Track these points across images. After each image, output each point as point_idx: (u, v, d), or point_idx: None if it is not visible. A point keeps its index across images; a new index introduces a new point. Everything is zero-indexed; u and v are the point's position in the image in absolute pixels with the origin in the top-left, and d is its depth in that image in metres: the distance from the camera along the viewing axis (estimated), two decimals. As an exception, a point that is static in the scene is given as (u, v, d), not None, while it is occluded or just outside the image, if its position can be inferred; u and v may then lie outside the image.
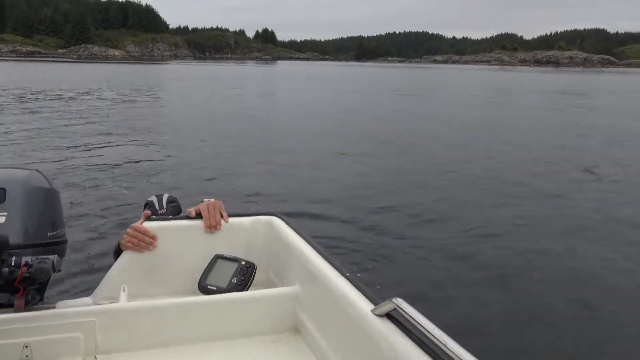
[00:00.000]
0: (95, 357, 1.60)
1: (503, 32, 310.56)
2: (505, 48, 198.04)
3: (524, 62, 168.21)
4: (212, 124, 13.86)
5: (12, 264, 1.66)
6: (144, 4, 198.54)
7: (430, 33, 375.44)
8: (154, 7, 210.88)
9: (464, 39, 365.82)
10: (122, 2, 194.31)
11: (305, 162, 8.92)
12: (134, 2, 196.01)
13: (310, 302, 1.69)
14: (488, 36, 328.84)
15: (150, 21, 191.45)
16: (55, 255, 1.74)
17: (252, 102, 21.57)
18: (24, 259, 1.68)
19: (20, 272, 1.64)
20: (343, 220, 5.67)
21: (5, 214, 1.82)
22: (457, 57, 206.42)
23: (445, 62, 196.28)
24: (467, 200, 6.65)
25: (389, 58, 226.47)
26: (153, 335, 1.64)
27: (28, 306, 1.63)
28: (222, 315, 1.65)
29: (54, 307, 1.65)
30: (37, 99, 19.66)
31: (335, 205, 6.25)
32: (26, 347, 1.54)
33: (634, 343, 3.39)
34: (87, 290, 2.01)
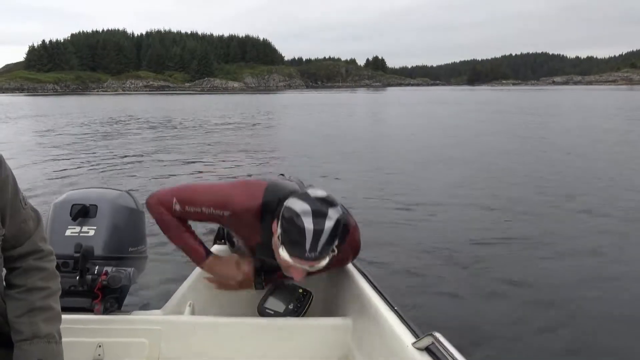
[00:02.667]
0: None
1: (635, 50, 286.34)
2: (635, 66, 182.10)
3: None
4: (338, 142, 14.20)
5: (95, 272, 1.96)
6: (261, 39, 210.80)
7: (550, 54, 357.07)
8: (270, 40, 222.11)
9: (589, 59, 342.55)
10: (242, 37, 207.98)
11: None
12: (252, 37, 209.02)
13: (360, 332, 1.76)
14: (617, 54, 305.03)
15: (268, 54, 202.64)
16: (133, 269, 2.02)
17: (350, 123, 21.95)
18: (105, 269, 1.98)
19: (100, 280, 1.94)
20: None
21: (95, 228, 2.12)
22: (578, 78, 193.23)
23: (565, 83, 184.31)
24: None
25: (504, 81, 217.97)
26: (211, 349, 1.76)
27: (106, 312, 1.89)
28: (277, 338, 1.74)
29: (127, 314, 1.90)
30: (157, 127, 21.67)
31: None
32: (99, 346, 1.73)
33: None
34: (161, 302, 2.17)
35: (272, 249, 1.65)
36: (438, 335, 1.31)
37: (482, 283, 4.65)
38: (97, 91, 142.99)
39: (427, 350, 1.37)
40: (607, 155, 12.38)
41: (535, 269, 5.10)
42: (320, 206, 1.49)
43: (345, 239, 1.60)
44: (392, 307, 1.66)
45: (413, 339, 1.44)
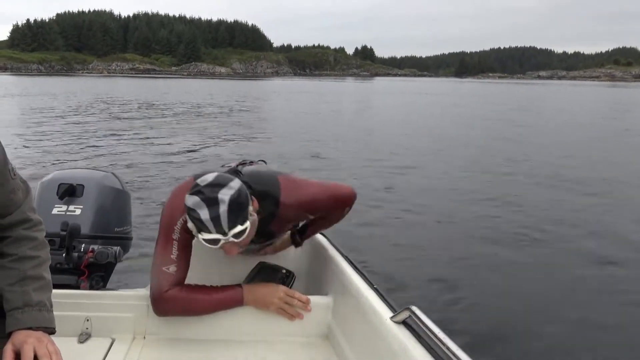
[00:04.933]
0: (145, 337, 1.79)
1: (621, 46, 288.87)
2: (618, 63, 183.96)
3: (638, 77, 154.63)
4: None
5: (82, 250, 2.01)
6: (250, 24, 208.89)
7: (539, 48, 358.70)
8: (259, 26, 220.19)
9: (576, 54, 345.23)
10: (231, 22, 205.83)
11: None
12: (241, 22, 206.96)
13: (341, 310, 1.82)
14: (604, 50, 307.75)
15: (256, 40, 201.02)
16: (119, 247, 2.07)
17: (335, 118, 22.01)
18: (91, 247, 2.03)
19: (86, 257, 1.99)
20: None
21: (81, 207, 2.17)
22: (563, 73, 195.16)
23: (550, 77, 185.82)
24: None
25: (490, 74, 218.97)
26: (196, 327, 1.79)
27: (92, 290, 1.94)
28: (260, 317, 1.78)
29: (114, 291, 1.95)
30: (140, 110, 21.51)
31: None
32: (87, 320, 1.76)
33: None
34: (145, 283, 2.15)
35: None
36: (415, 308, 1.37)
37: (459, 262, 4.88)
38: (82, 72, 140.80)
39: (404, 323, 1.44)
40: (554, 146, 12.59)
41: (509, 244, 5.41)
42: (210, 192, 1.53)
43: (268, 201, 1.71)
44: (371, 285, 1.72)
45: (391, 314, 1.50)
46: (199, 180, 1.59)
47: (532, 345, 3.41)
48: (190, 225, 1.59)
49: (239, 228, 1.55)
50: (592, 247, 5.38)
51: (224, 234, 1.53)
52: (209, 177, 1.58)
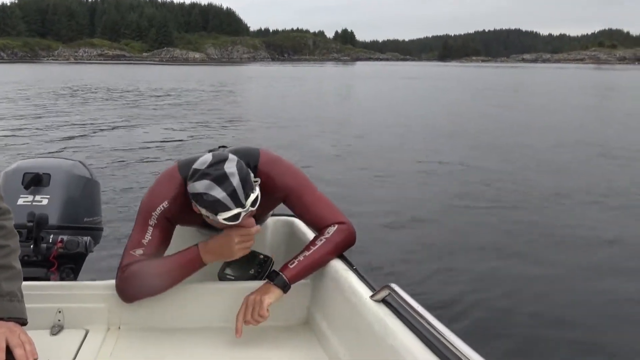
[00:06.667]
0: (119, 327, 1.79)
1: (607, 28, 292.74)
2: (603, 45, 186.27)
3: (622, 60, 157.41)
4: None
5: (50, 241, 2.00)
6: (225, 7, 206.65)
7: (524, 30, 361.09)
8: (234, 10, 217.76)
9: (561, 36, 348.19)
10: (204, 5, 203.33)
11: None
12: (215, 6, 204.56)
13: (320, 294, 1.84)
14: (589, 32, 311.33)
15: (231, 24, 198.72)
16: (89, 238, 2.09)
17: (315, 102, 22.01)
18: (61, 237, 2.02)
19: (55, 248, 1.98)
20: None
21: (48, 197, 2.15)
22: (547, 56, 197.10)
23: (534, 60, 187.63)
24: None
25: (473, 57, 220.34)
26: (173, 316, 1.80)
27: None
28: (238, 303, 1.74)
29: (87, 282, 1.91)
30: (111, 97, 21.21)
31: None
32: (59, 312, 1.75)
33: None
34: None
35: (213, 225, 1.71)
36: (394, 286, 1.41)
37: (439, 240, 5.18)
38: (48, 59, 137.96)
39: (384, 301, 1.48)
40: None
41: (483, 222, 5.75)
42: (216, 171, 1.55)
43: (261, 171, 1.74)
44: (350, 265, 1.75)
45: (371, 293, 1.54)
46: (196, 165, 1.60)
47: (511, 318, 3.66)
48: (204, 212, 1.59)
49: (252, 196, 1.58)
50: (573, 220, 5.82)
51: (243, 205, 1.56)
52: (207, 158, 1.61)
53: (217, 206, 1.54)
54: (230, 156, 1.61)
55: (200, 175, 1.56)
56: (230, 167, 1.56)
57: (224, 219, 1.57)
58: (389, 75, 52.42)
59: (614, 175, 8.20)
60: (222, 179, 1.54)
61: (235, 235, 1.68)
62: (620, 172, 8.48)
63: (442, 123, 14.22)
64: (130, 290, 1.71)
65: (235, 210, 1.55)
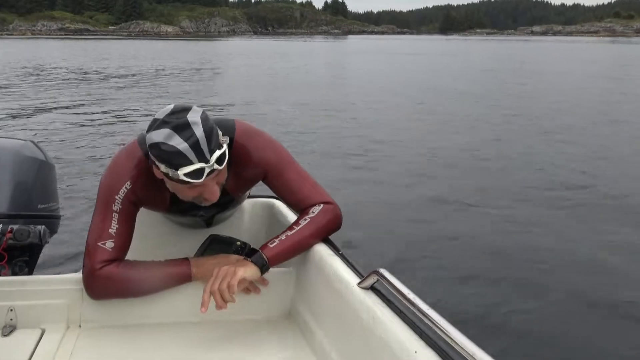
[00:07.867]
0: (80, 325, 1.76)
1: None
2: (619, 15, 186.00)
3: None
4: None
5: None
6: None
7: (534, 0, 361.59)
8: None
9: (575, 6, 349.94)
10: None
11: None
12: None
13: (304, 282, 1.84)
14: (605, 2, 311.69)
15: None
16: (44, 227, 2.01)
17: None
18: (10, 226, 1.95)
19: (5, 238, 1.92)
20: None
21: None
22: (559, 28, 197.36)
23: (544, 33, 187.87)
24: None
25: (478, 30, 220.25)
26: (141, 311, 1.77)
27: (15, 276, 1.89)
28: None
29: (42, 276, 1.86)
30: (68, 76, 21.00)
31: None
32: (11, 310, 1.71)
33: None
34: (78, 267, 2.11)
35: (179, 198, 1.66)
36: (383, 271, 1.42)
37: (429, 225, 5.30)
38: (1, 34, 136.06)
39: (373, 288, 1.48)
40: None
41: (473, 210, 5.84)
42: (178, 119, 1.49)
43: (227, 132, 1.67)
44: (336, 251, 1.75)
45: (358, 280, 1.54)
46: (157, 115, 1.54)
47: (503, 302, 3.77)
48: (163, 167, 1.52)
49: (218, 152, 1.52)
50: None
51: (207, 160, 1.49)
52: (169, 107, 1.55)
53: (177, 157, 1.47)
54: (195, 107, 1.55)
55: (160, 123, 1.50)
56: (194, 116, 1.50)
57: (185, 175, 1.49)
58: (381, 51, 52.22)
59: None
60: (183, 127, 1.47)
61: (234, 260, 1.72)
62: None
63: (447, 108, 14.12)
64: (103, 290, 1.69)
65: (198, 165, 1.48)
